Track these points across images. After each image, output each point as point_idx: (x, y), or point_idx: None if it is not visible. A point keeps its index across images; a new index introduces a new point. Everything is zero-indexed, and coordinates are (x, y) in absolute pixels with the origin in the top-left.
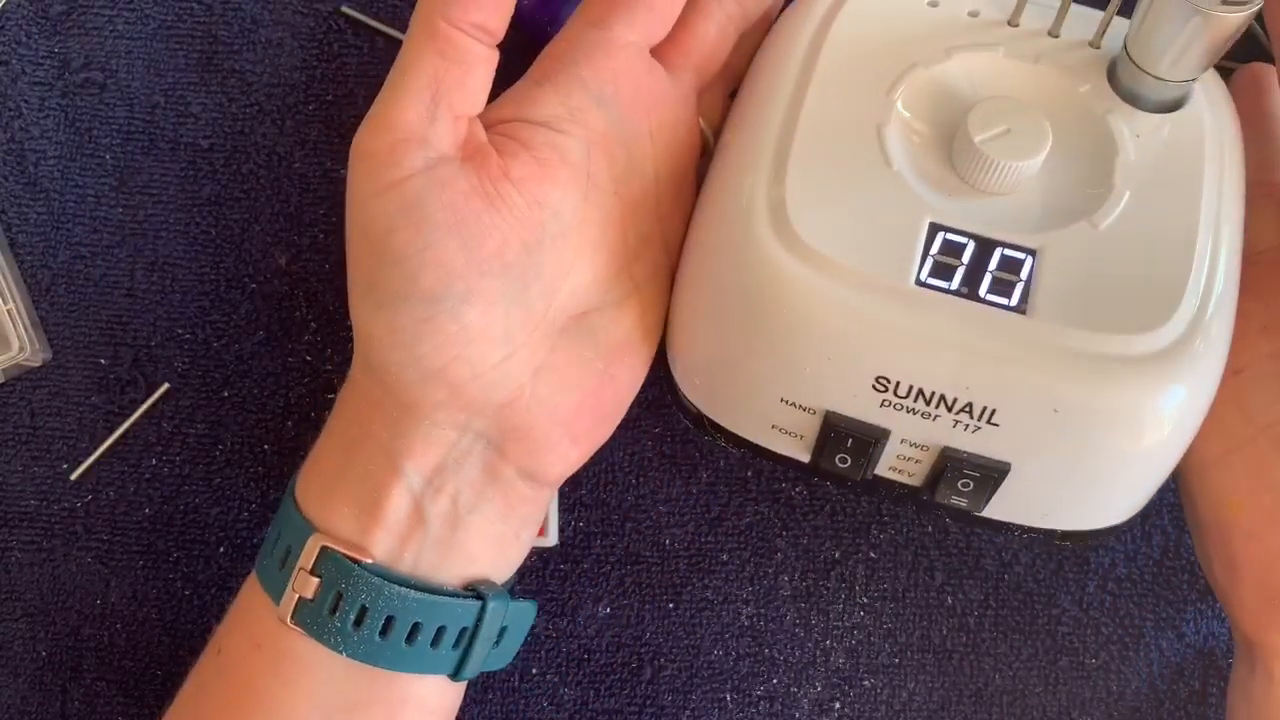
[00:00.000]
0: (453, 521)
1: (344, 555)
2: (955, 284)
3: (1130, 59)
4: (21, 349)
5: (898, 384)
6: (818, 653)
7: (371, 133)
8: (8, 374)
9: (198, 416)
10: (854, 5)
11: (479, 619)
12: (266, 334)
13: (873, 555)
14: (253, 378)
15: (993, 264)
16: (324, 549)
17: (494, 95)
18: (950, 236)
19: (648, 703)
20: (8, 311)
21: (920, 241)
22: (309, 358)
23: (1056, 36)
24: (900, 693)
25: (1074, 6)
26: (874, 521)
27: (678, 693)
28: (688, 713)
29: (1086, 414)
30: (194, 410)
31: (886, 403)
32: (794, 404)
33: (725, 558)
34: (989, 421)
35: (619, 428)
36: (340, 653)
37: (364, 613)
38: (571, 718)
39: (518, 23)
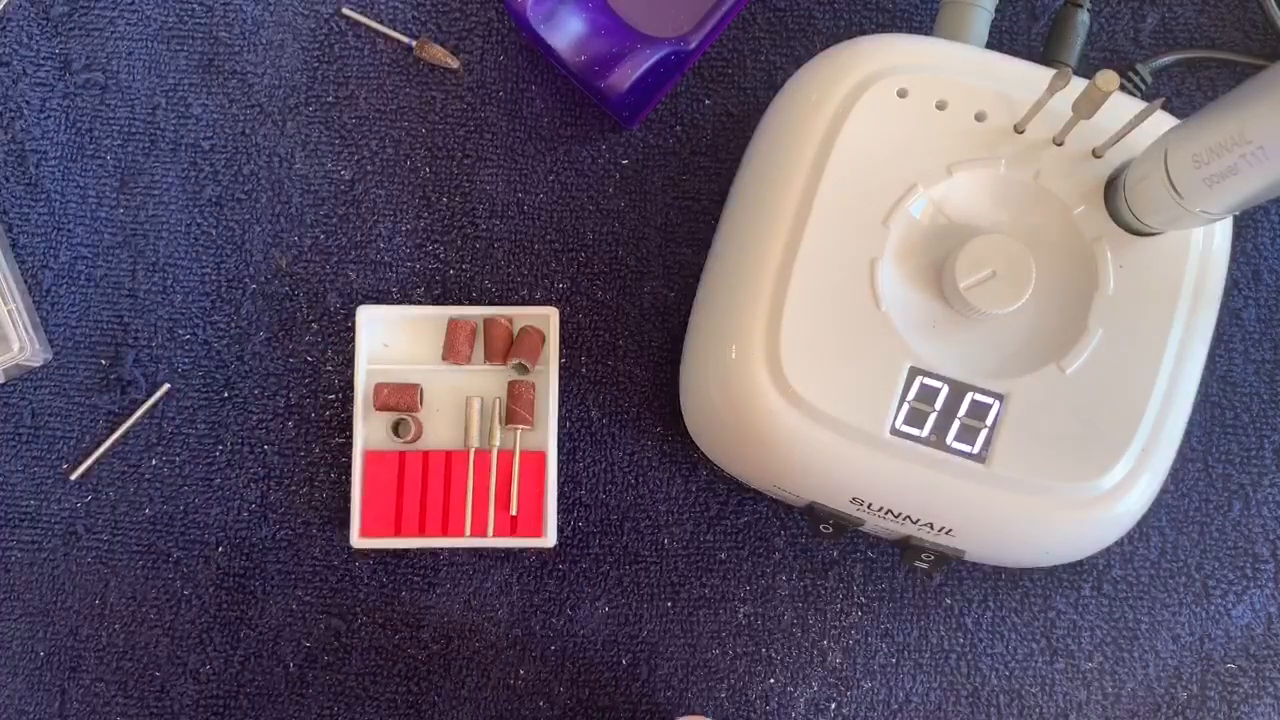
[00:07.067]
0: None
1: None
2: (925, 432)
3: (1126, 203)
4: (22, 349)
5: (870, 503)
6: (815, 652)
7: None
8: (8, 374)
9: (198, 417)
10: (861, 110)
11: None
12: (267, 334)
13: (870, 555)
14: (253, 378)
15: (962, 410)
16: None
17: (498, 95)
18: (927, 381)
19: (643, 700)
20: (9, 312)
21: (899, 387)
22: (310, 358)
23: (1060, 145)
24: (897, 693)
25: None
26: None
27: (674, 691)
28: (682, 710)
29: (1032, 540)
30: (194, 410)
31: (861, 508)
32: (784, 490)
33: (723, 556)
34: (947, 533)
35: (619, 427)
36: None
37: None
38: (567, 715)
39: (517, 23)
